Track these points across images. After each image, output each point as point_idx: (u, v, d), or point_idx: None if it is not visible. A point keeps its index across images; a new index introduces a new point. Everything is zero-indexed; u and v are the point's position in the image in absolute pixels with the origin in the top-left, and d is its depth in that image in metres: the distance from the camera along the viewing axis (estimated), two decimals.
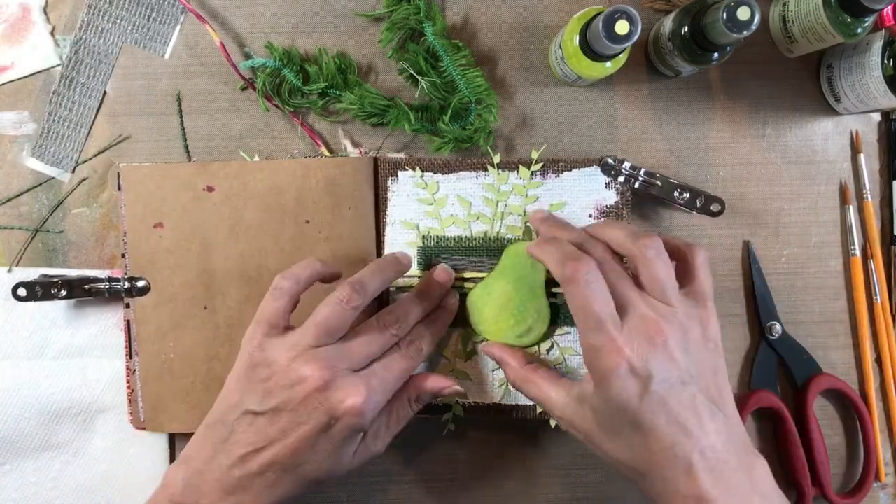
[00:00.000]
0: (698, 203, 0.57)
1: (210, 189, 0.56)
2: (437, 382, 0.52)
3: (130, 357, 0.57)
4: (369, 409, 0.45)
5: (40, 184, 0.58)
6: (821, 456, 0.58)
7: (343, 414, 0.45)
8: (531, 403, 0.57)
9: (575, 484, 0.60)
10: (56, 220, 0.58)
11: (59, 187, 0.58)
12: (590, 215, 0.57)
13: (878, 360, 0.60)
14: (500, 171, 0.57)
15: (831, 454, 0.54)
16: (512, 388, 0.57)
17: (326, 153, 0.58)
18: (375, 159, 0.58)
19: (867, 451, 0.59)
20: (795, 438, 0.57)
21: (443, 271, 0.55)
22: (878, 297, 0.59)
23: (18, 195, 0.58)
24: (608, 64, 0.53)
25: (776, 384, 0.59)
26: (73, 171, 0.58)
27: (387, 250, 0.57)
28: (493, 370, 0.57)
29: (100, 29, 0.58)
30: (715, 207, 0.57)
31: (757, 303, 0.59)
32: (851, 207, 0.60)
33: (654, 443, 0.43)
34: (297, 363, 0.45)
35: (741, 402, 0.57)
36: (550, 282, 0.55)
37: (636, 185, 0.56)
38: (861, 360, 0.60)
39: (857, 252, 0.59)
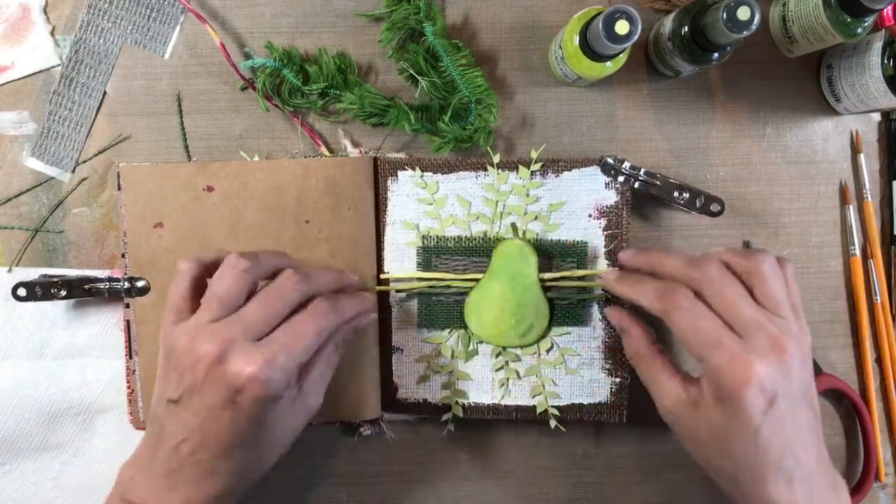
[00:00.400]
0: (698, 203, 0.57)
1: (210, 189, 0.56)
2: (353, 307, 0.51)
3: (130, 357, 0.57)
4: (274, 375, 0.43)
5: (40, 184, 0.58)
6: None
7: (243, 385, 0.43)
8: (532, 404, 0.57)
9: (575, 484, 0.60)
10: (56, 220, 0.58)
11: (59, 187, 0.58)
12: (589, 215, 0.57)
13: (879, 360, 0.60)
14: (499, 171, 0.57)
15: (831, 454, 0.54)
16: (512, 389, 0.57)
17: (326, 153, 0.58)
18: (375, 159, 0.57)
19: (867, 451, 0.59)
20: None
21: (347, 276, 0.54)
22: (878, 297, 0.59)
23: (18, 195, 0.58)
24: (608, 64, 0.53)
25: None
26: (73, 171, 0.58)
27: (387, 250, 0.58)
28: (496, 370, 0.57)
29: (100, 29, 0.58)
30: (714, 207, 0.57)
31: None
32: (851, 207, 0.60)
33: (765, 456, 0.43)
34: (195, 342, 0.44)
35: None
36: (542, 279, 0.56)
37: (636, 185, 0.56)
38: (861, 360, 0.60)
39: (857, 252, 0.59)
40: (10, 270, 0.58)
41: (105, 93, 0.58)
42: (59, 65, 0.58)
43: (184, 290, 0.48)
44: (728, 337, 0.44)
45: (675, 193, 0.57)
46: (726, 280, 0.46)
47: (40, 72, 0.58)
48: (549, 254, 0.57)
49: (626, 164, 0.56)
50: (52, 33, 0.58)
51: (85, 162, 0.58)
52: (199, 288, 0.48)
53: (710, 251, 0.49)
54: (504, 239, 0.56)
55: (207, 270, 0.48)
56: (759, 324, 0.44)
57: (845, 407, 0.60)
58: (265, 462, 0.47)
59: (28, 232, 0.58)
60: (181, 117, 0.58)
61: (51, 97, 0.58)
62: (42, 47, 0.58)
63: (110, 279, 0.56)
